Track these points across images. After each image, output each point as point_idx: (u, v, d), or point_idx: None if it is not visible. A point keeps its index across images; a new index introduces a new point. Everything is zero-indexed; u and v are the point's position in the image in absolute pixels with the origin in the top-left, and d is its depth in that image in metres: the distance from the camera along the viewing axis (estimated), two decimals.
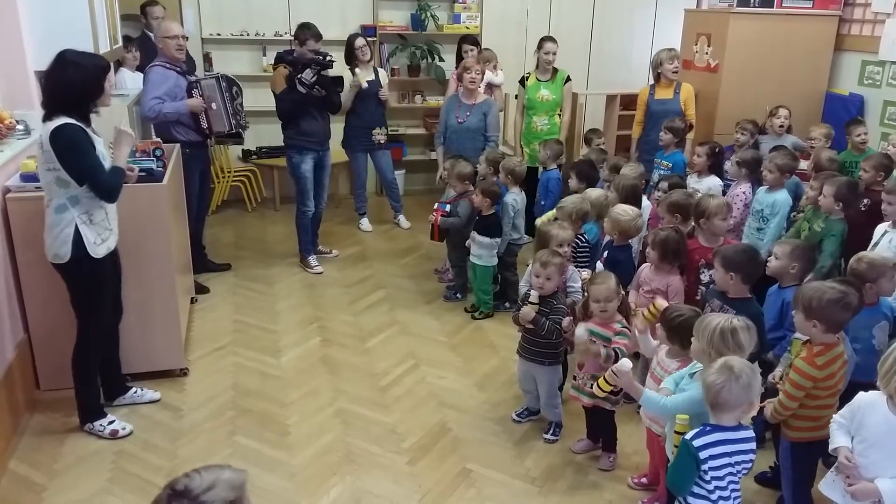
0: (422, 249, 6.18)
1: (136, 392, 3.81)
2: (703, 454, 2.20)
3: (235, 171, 7.12)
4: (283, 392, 3.98)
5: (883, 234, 3.76)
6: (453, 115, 5.77)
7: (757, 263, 3.22)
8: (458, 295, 5.22)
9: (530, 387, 3.65)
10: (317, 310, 5.02)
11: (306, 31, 5.34)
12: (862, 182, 4.40)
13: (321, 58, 5.24)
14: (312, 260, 5.72)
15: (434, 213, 4.97)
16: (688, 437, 2.25)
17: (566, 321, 3.35)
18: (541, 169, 5.53)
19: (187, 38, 5.05)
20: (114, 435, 3.49)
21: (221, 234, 6.51)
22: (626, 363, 2.60)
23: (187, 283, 4.86)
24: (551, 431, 3.60)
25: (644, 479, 3.26)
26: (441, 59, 7.29)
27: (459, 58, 6.57)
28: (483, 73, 5.75)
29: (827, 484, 2.50)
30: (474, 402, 3.93)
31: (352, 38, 6.17)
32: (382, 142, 6.45)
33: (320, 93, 5.29)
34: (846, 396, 2.59)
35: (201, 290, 5.18)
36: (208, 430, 3.61)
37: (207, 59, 6.95)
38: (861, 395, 2.39)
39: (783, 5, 6.18)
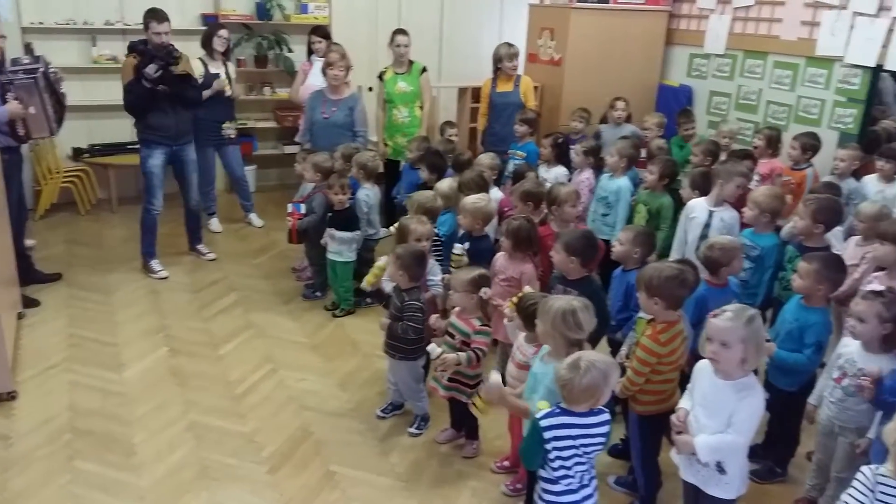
0: (277, 248, 5.96)
1: None
2: (547, 434, 2.29)
3: (65, 172, 6.52)
4: (127, 409, 3.69)
5: (710, 215, 4.06)
6: (319, 111, 5.60)
7: (594, 247, 3.37)
8: (317, 293, 5.09)
9: (395, 381, 3.62)
10: (162, 318, 4.70)
11: (147, 15, 5.02)
12: (691, 166, 4.74)
13: (167, 52, 4.91)
14: (155, 264, 5.35)
15: (290, 218, 4.79)
16: (538, 416, 2.33)
17: (433, 318, 3.33)
18: (402, 162, 5.51)
19: (5, 36, 4.53)
20: None
21: (51, 240, 5.94)
22: (494, 380, 2.63)
23: (12, 297, 4.39)
24: (416, 425, 3.59)
25: (506, 463, 3.32)
26: (290, 50, 7.06)
27: (309, 49, 6.41)
28: (349, 69, 5.62)
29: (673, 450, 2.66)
30: (337, 402, 3.83)
31: (214, 27, 5.94)
32: (233, 136, 6.18)
33: (164, 89, 4.97)
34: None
35: (30, 303, 4.71)
36: (42, 457, 3.28)
37: (29, 50, 6.30)
38: (699, 363, 2.56)
39: (618, 1, 6.51)
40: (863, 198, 4.41)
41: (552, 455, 2.32)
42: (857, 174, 4.74)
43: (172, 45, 5.04)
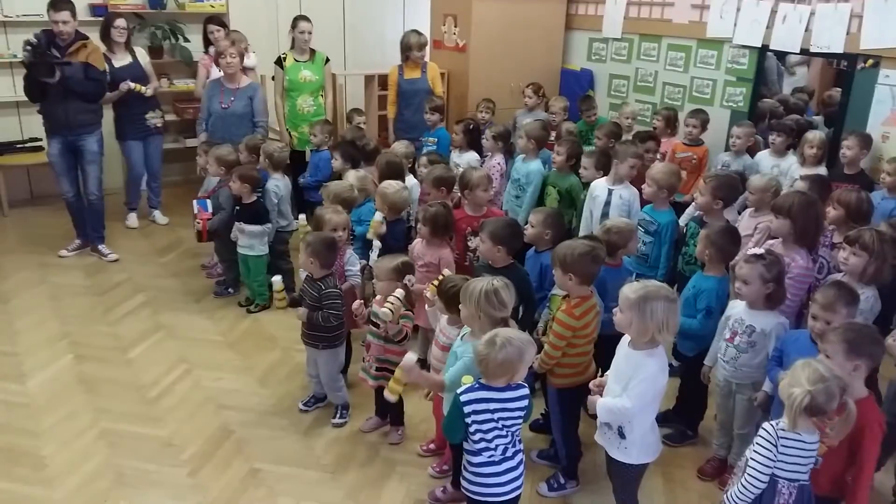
0: (184, 245, 5.76)
1: None
2: (467, 409, 2.36)
3: None
4: (34, 421, 3.50)
5: (610, 193, 4.22)
6: (216, 101, 5.43)
7: (519, 235, 3.45)
8: (230, 290, 4.96)
9: (315, 372, 3.59)
10: (65, 324, 4.47)
11: (48, 5, 4.93)
12: (597, 149, 4.90)
13: (41, 43, 4.73)
14: (103, 248, 5.49)
15: (198, 218, 4.62)
16: (458, 391, 2.39)
17: (356, 304, 3.32)
18: (308, 151, 5.43)
19: None
20: None
21: None
22: (409, 358, 2.65)
23: None
24: (339, 415, 3.58)
25: (432, 446, 3.37)
26: (186, 40, 6.80)
27: (206, 39, 6.19)
28: (242, 56, 5.46)
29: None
30: (257, 399, 3.77)
31: (111, 16, 5.73)
32: (159, 125, 6.01)
33: (48, 80, 4.83)
34: (610, 347, 2.90)
35: None
36: None
37: None
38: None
39: None
40: (756, 172, 4.68)
41: (472, 429, 2.39)
42: (750, 150, 5.04)
43: (69, 35, 4.94)
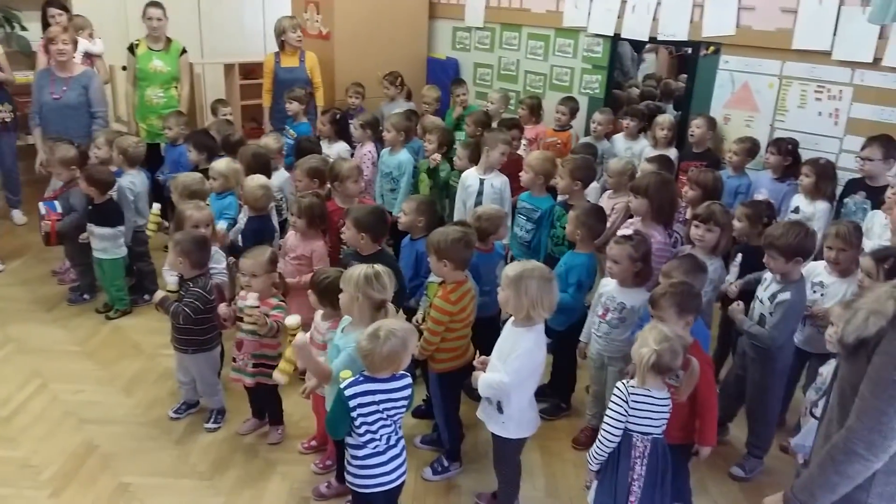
0: (31, 250, 5.30)
1: None
2: (352, 402, 2.34)
3: None
4: None
5: (481, 183, 4.28)
6: (47, 91, 5.01)
7: (384, 222, 3.43)
8: (85, 296, 4.63)
9: (186, 377, 3.44)
10: None
11: None
12: (467, 136, 4.98)
13: None
14: None
15: (46, 220, 4.27)
16: (342, 385, 2.36)
17: (221, 307, 3.18)
18: (163, 145, 5.15)
19: None
20: None
21: None
22: (302, 338, 2.59)
23: None
24: (213, 419, 3.44)
25: (314, 443, 3.31)
26: (24, 28, 6.25)
27: (46, 25, 5.70)
28: (76, 42, 5.06)
29: None
30: (123, 409, 3.55)
31: None
32: (8, 121, 5.54)
33: None
34: (486, 330, 3.01)
35: None
36: None
37: None
38: None
39: None
40: (614, 155, 4.94)
41: (358, 422, 2.37)
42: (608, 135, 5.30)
43: None
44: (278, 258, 3.29)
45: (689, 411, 2.62)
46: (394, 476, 2.49)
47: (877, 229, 3.62)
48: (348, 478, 2.51)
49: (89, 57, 5.65)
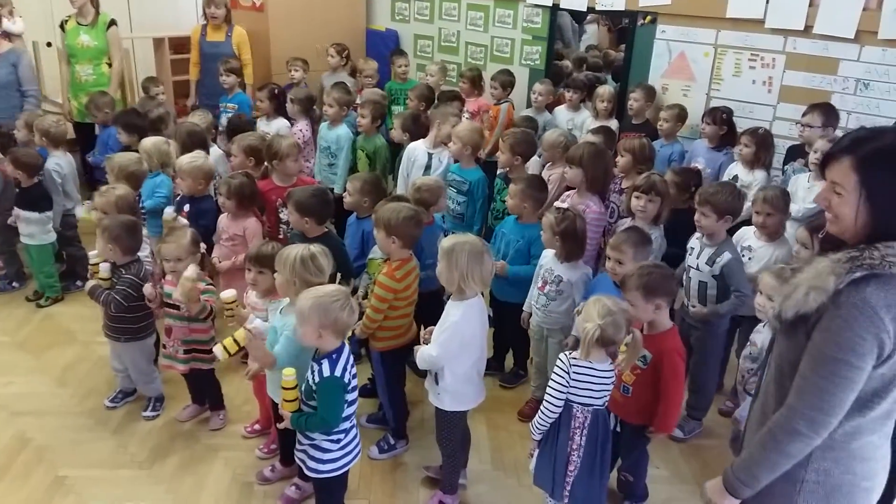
0: None
1: None
2: (346, 377, 2.34)
3: None
4: None
5: (430, 157, 4.25)
6: None
7: (328, 203, 3.35)
8: (13, 284, 4.45)
9: (121, 365, 3.35)
10: None
11: None
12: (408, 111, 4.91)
13: None
14: None
15: None
16: (326, 374, 2.31)
17: (146, 287, 3.07)
18: (97, 126, 4.96)
19: None
20: None
21: None
22: (261, 323, 2.53)
23: None
24: (151, 408, 3.36)
25: (257, 426, 3.26)
26: None
27: None
28: None
29: None
30: (57, 400, 3.44)
31: None
32: None
33: None
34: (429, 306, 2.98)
35: None
36: None
37: None
38: None
39: None
40: (555, 127, 4.93)
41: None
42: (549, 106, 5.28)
43: None
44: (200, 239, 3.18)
45: (649, 393, 2.61)
46: (354, 453, 2.52)
47: (801, 192, 3.73)
48: (324, 466, 2.45)
49: (8, 36, 5.36)
